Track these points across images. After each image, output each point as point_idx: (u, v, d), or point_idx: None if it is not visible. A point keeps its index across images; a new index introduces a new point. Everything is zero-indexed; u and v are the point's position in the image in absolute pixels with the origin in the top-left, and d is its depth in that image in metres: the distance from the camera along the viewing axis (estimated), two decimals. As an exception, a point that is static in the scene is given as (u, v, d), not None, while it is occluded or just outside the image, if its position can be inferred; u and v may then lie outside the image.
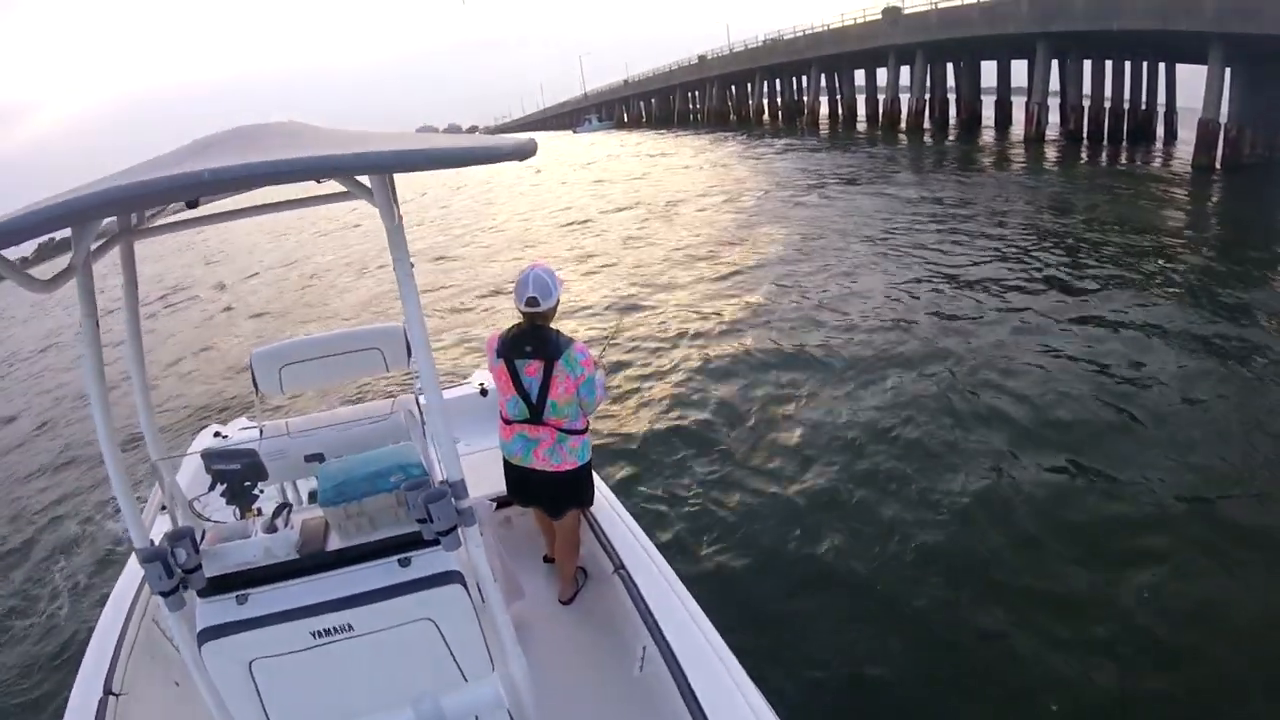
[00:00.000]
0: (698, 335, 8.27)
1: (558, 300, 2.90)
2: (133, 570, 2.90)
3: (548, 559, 3.52)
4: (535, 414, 2.92)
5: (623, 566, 2.83)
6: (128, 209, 1.66)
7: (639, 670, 2.61)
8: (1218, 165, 18.27)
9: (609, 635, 2.89)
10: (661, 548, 3.00)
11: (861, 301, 8.90)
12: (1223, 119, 18.45)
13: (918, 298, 8.89)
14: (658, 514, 4.94)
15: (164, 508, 2.24)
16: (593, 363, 2.91)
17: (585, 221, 16.84)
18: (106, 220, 1.85)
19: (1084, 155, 21.05)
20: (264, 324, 12.23)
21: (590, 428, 3.11)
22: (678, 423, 6.26)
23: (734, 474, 5.38)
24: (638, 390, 7.02)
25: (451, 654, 2.03)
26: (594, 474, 3.23)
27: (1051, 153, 20.58)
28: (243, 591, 1.90)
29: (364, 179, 1.70)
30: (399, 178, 1.81)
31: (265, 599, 1.89)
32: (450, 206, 22.54)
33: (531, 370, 2.85)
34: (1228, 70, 18.22)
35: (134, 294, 2.30)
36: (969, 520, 4.56)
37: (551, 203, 20.53)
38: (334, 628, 1.88)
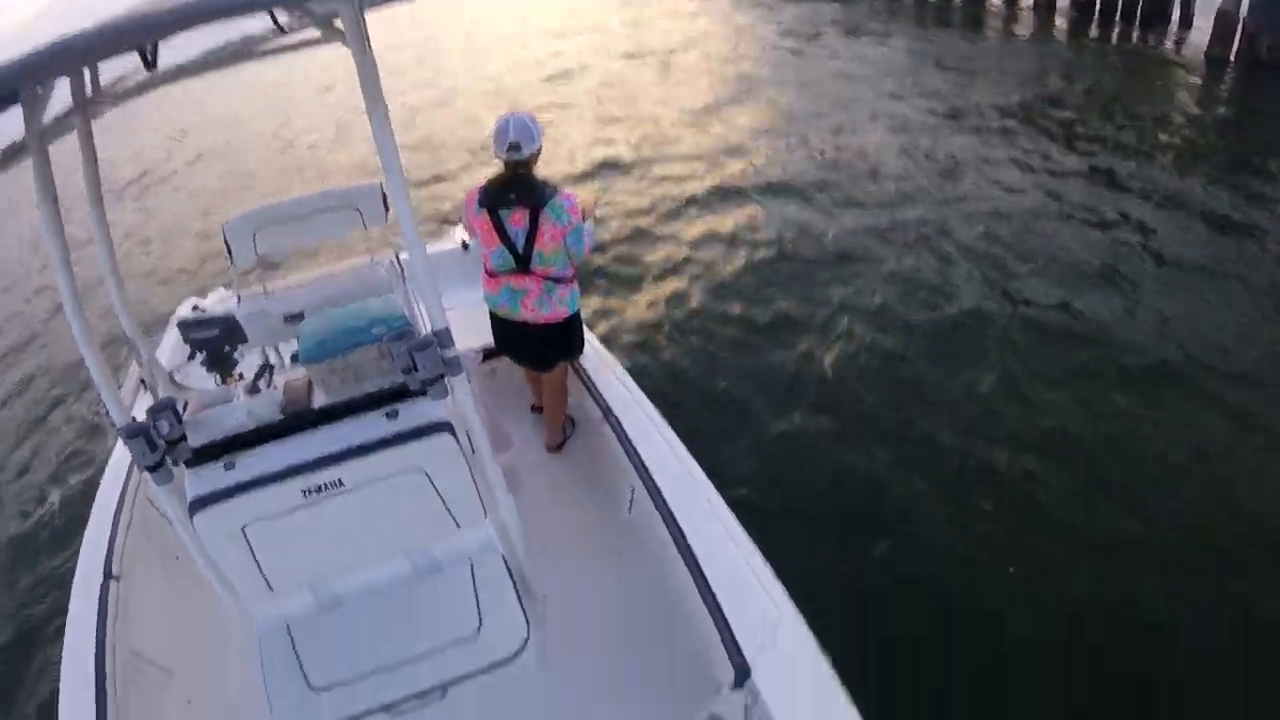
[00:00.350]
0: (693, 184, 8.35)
1: (540, 147, 2.78)
2: (121, 451, 2.85)
3: (535, 409, 3.52)
4: (522, 263, 2.84)
5: (610, 412, 2.87)
6: (59, 69, 1.37)
7: (628, 511, 2.69)
8: (1232, 59, 17.45)
9: (597, 480, 2.99)
10: (650, 394, 2.98)
11: (865, 157, 8.86)
12: (1242, 13, 17.46)
13: (924, 155, 8.89)
14: (649, 364, 5.05)
15: (144, 383, 2.21)
16: (580, 210, 2.82)
17: (569, 72, 15.84)
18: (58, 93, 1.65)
19: (1095, 30, 20.05)
20: (239, 198, 11.23)
21: (577, 276, 3.04)
22: (670, 282, 6.30)
23: (726, 330, 5.47)
24: (633, 245, 7.02)
25: (444, 502, 2.06)
26: (583, 323, 3.21)
27: (1062, 22, 19.41)
28: (230, 457, 1.90)
29: (329, 12, 1.54)
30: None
31: (253, 462, 1.88)
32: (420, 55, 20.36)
33: (517, 219, 2.76)
34: None
35: (95, 172, 2.17)
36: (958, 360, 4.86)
37: (536, 51, 18.83)
38: (325, 484, 1.90)
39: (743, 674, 1.89)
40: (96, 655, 2.22)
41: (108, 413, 1.88)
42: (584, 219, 2.90)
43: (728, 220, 7.44)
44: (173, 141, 16.98)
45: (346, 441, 1.90)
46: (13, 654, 3.77)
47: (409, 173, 10.56)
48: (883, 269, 6.26)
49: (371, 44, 1.62)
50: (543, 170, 2.92)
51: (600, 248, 6.77)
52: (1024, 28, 19.35)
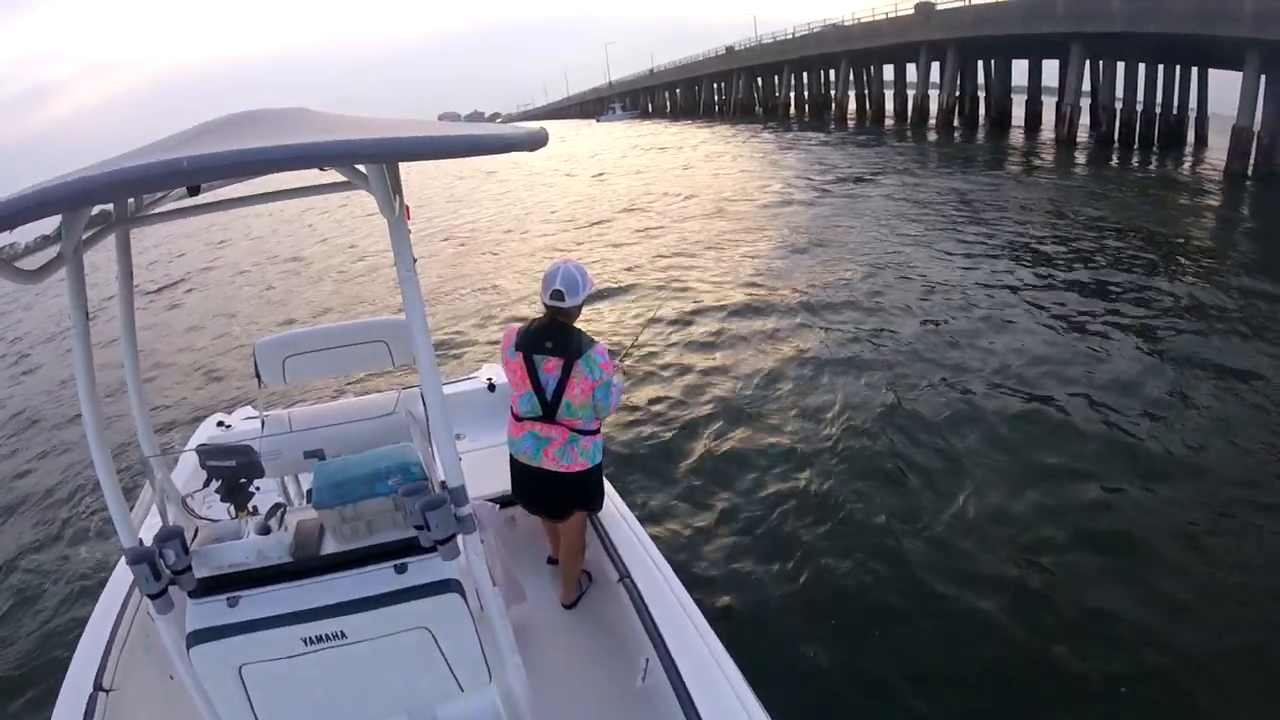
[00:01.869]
0: (720, 340, 8.02)
1: (584, 299, 2.80)
2: (125, 566, 2.72)
3: (552, 560, 3.41)
4: (549, 412, 2.82)
5: (628, 575, 2.75)
6: (104, 199, 1.55)
7: (641, 681, 2.53)
8: (1250, 172, 18.21)
9: (611, 644, 2.82)
10: (668, 557, 2.92)
11: (883, 297, 8.96)
12: (1256, 126, 18.42)
13: (944, 295, 8.90)
14: (666, 522, 4.75)
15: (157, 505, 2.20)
16: (612, 366, 2.81)
17: (604, 221, 16.29)
18: (101, 207, 1.77)
19: (1114, 158, 21.00)
20: (268, 314, 12.14)
21: (602, 431, 3.00)
22: (695, 435, 5.99)
23: (750, 480, 5.16)
24: (658, 394, 6.78)
25: (448, 664, 1.97)
26: (604, 478, 3.13)
27: (1081, 155, 20.51)
28: (234, 594, 1.85)
29: (362, 168, 1.60)
30: (407, 172, 1.73)
31: (257, 602, 1.83)
32: (460, 199, 22.37)
33: (550, 367, 2.76)
34: (1263, 77, 18.10)
35: (129, 284, 2.23)
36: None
37: (569, 196, 20.28)
38: (326, 634, 1.82)
39: None
40: None
41: (117, 534, 1.86)
42: (614, 373, 2.87)
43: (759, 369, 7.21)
44: (210, 250, 17.68)
45: (352, 593, 1.84)
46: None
47: (441, 308, 11.31)
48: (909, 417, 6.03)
49: (401, 186, 1.62)
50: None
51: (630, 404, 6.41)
52: (1046, 162, 20.30)
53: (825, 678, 3.48)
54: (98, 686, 2.36)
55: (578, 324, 2.83)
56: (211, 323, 12.09)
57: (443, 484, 1.86)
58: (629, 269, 11.70)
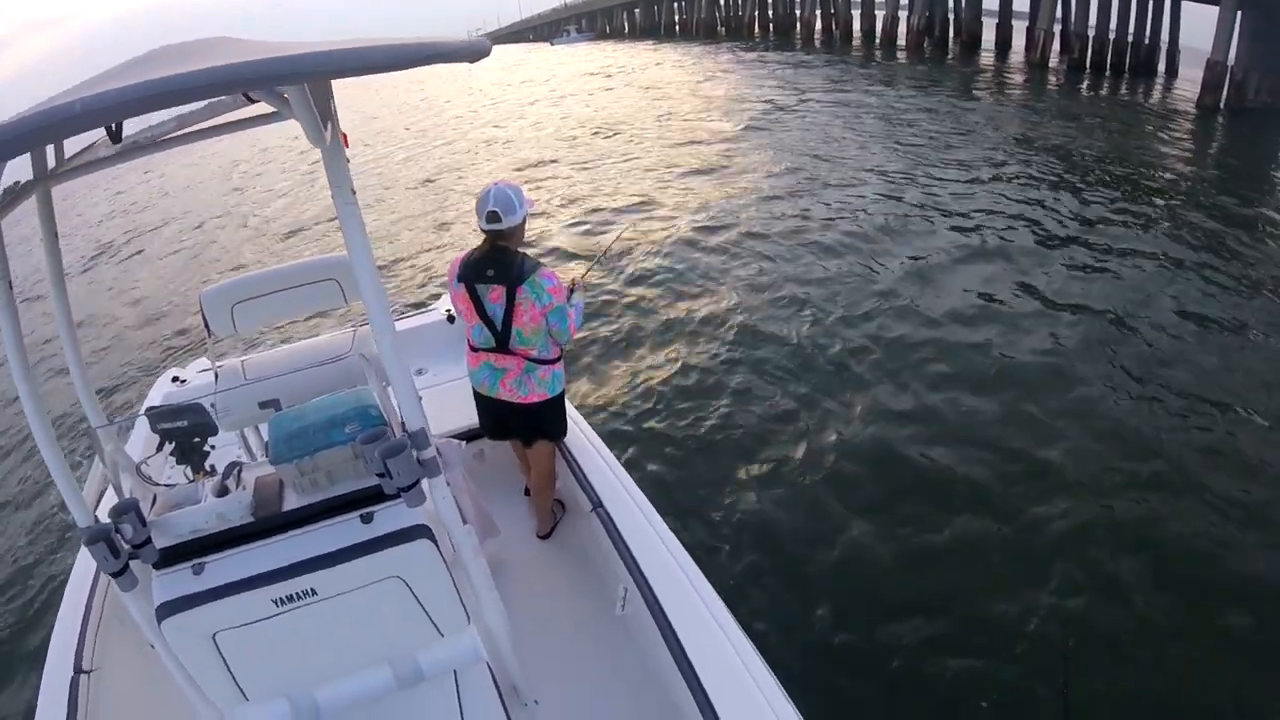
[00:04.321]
0: (686, 259, 7.79)
1: (524, 219, 2.66)
2: None
3: (528, 492, 3.33)
4: (501, 342, 2.71)
5: (601, 504, 2.71)
6: (36, 143, 1.29)
7: (620, 609, 2.54)
8: (1222, 106, 18.05)
9: (588, 573, 2.83)
10: (641, 483, 2.84)
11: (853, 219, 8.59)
12: (1229, 61, 18.14)
13: (908, 216, 8.52)
14: (636, 449, 4.71)
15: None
16: (563, 289, 2.69)
17: (573, 138, 15.82)
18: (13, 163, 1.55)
19: (1086, 84, 20.66)
20: (213, 267, 11.23)
21: (564, 356, 2.90)
22: (660, 354, 5.90)
23: (721, 411, 5.05)
24: (621, 316, 6.62)
25: (424, 610, 1.93)
26: (567, 405, 3.06)
27: (1053, 79, 20.13)
28: (198, 561, 1.78)
29: (285, 92, 1.42)
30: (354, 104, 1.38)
31: (222, 567, 1.77)
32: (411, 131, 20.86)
33: (495, 296, 2.63)
34: (1239, 13, 17.83)
35: (55, 247, 2.06)
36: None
37: (524, 122, 19.28)
38: (297, 593, 1.76)
39: None
40: None
41: (70, 515, 1.79)
42: (570, 295, 2.83)
43: (729, 288, 7.05)
44: (132, 214, 16.82)
45: (319, 548, 1.78)
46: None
47: (392, 244, 10.56)
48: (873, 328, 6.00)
49: (335, 113, 1.52)
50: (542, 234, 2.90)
51: (592, 315, 6.40)
52: (1017, 84, 19.91)
53: (799, 595, 3.50)
54: (78, 669, 2.36)
55: (523, 248, 2.71)
56: (156, 282, 11.34)
57: (403, 427, 1.77)
58: (592, 191, 11.30)
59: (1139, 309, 5.93)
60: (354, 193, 1.57)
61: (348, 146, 1.62)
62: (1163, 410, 4.67)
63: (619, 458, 3.11)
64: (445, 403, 3.38)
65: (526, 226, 2.74)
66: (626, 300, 7.01)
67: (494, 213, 2.56)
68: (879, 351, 5.59)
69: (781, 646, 3.10)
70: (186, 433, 2.11)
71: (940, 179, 9.86)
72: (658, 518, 2.62)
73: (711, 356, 5.79)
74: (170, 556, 1.79)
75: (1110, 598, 3.34)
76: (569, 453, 3.03)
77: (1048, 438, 4.41)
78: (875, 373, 5.32)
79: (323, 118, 1.47)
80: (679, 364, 5.75)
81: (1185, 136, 14.34)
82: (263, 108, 1.54)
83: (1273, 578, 3.38)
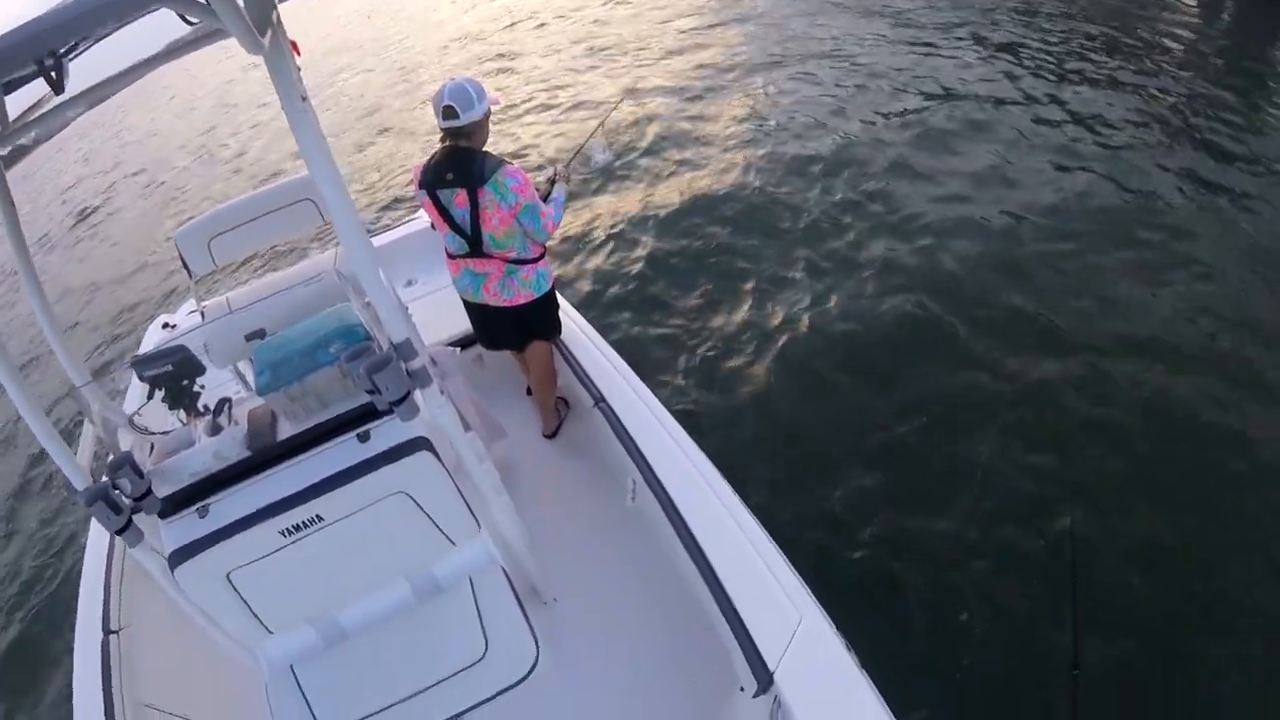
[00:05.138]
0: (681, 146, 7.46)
1: (485, 115, 2.49)
2: None
3: (531, 392, 3.30)
4: (475, 247, 2.60)
5: (603, 399, 2.70)
6: None
7: (631, 501, 2.54)
8: None
9: (597, 468, 2.82)
10: (643, 374, 2.81)
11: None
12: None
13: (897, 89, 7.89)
14: (635, 341, 4.67)
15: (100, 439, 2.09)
16: (529, 186, 2.51)
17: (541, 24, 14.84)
18: None
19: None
20: (189, 211, 10.88)
21: (547, 254, 2.79)
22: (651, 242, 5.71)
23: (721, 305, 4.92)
24: (607, 192, 6.41)
25: (433, 522, 1.94)
26: (560, 302, 3.00)
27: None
28: (202, 503, 1.78)
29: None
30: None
31: (226, 506, 1.78)
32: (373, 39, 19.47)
33: (460, 201, 2.50)
34: None
35: (12, 212, 1.98)
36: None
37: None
38: (303, 521, 1.78)
39: (765, 681, 1.77)
40: (106, 716, 2.13)
41: (67, 480, 1.79)
42: (552, 187, 2.73)
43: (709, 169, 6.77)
44: (104, 173, 16.19)
45: (319, 473, 1.77)
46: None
47: (364, 153, 10.58)
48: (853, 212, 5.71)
49: (276, 18, 1.45)
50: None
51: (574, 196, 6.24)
52: None
53: (807, 478, 3.47)
54: (106, 630, 2.38)
55: (488, 147, 2.56)
56: (137, 235, 11.19)
57: (390, 340, 1.70)
58: (571, 78, 10.72)
59: (1138, 175, 5.56)
60: (305, 99, 1.45)
61: (299, 55, 1.51)
62: (1160, 279, 4.48)
63: (617, 344, 3.11)
64: (438, 312, 3.33)
65: (491, 124, 2.58)
66: (616, 179, 6.82)
67: (450, 108, 2.40)
68: (870, 210, 5.57)
69: (788, 523, 3.15)
70: (174, 376, 2.09)
71: (930, 45, 8.92)
72: (660, 406, 2.61)
73: (694, 233, 5.74)
74: (174, 504, 1.78)
75: (1109, 447, 3.37)
76: (566, 349, 2.99)
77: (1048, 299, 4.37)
78: (869, 232, 5.30)
79: (259, 23, 1.36)
80: (667, 242, 5.69)
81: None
82: (205, 28, 1.42)
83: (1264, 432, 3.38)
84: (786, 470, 3.53)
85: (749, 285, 5.00)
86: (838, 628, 1.86)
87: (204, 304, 2.91)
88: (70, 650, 2.40)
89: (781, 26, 10.62)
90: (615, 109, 4.87)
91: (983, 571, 2.97)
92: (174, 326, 3.78)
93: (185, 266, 2.82)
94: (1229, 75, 7.09)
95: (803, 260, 5.11)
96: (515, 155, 8.41)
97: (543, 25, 14.64)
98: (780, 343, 4.40)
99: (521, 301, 2.71)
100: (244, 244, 2.88)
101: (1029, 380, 3.81)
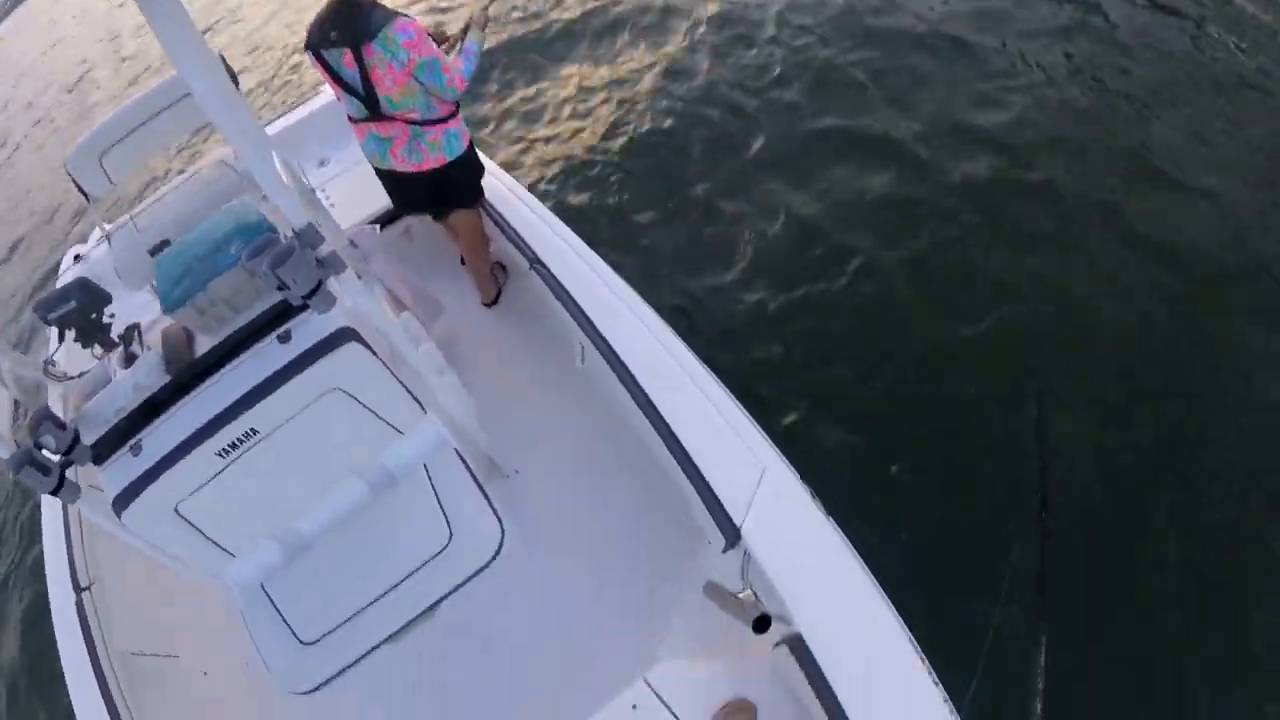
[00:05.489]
0: None
1: None
2: None
3: (464, 261, 3.13)
4: (372, 109, 2.39)
5: (538, 260, 2.56)
6: None
7: (580, 363, 2.46)
8: None
9: (542, 333, 2.72)
10: (578, 229, 2.66)
11: None
12: None
13: None
14: (565, 191, 4.38)
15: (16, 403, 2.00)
16: (423, 40, 2.25)
17: None
18: None
19: None
20: (71, 142, 9.76)
21: (459, 112, 2.54)
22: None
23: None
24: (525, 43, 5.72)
25: (374, 413, 1.89)
26: (480, 164, 2.77)
27: None
28: (134, 440, 1.71)
29: None
30: None
31: (158, 438, 1.70)
32: None
33: (348, 61, 2.27)
34: None
35: None
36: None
37: None
38: (238, 439, 1.72)
39: (732, 535, 1.76)
40: (95, 674, 2.11)
41: None
42: (464, 36, 2.52)
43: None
44: None
45: (245, 384, 1.69)
46: (22, 687, 3.61)
47: (265, 27, 8.84)
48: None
49: None
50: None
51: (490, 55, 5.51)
52: None
53: (762, 328, 3.37)
54: (77, 589, 2.36)
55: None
56: (42, 174, 9.71)
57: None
58: None
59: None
60: None
61: None
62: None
63: (556, 203, 3.02)
64: (356, 189, 3.17)
65: None
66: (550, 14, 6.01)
67: None
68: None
69: (732, 362, 3.07)
70: (80, 311, 1.98)
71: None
72: (600, 261, 2.51)
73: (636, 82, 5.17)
74: (105, 447, 1.72)
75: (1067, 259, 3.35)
76: (495, 210, 2.83)
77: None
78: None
79: None
80: (611, 94, 5.13)
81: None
82: None
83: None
84: (740, 321, 3.46)
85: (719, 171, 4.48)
86: (801, 475, 1.84)
87: (109, 228, 2.76)
88: (48, 616, 2.36)
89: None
90: None
91: (947, 420, 2.96)
92: (84, 257, 3.63)
93: (81, 191, 2.66)
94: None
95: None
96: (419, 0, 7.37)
97: None
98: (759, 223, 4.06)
99: (430, 166, 2.53)
100: (136, 152, 2.70)
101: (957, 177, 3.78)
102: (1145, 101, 4.06)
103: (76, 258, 3.71)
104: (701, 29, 5.48)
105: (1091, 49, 4.46)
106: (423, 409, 1.96)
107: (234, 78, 2.10)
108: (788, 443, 1.95)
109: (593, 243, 2.64)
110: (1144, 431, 2.79)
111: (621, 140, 4.80)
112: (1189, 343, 3.00)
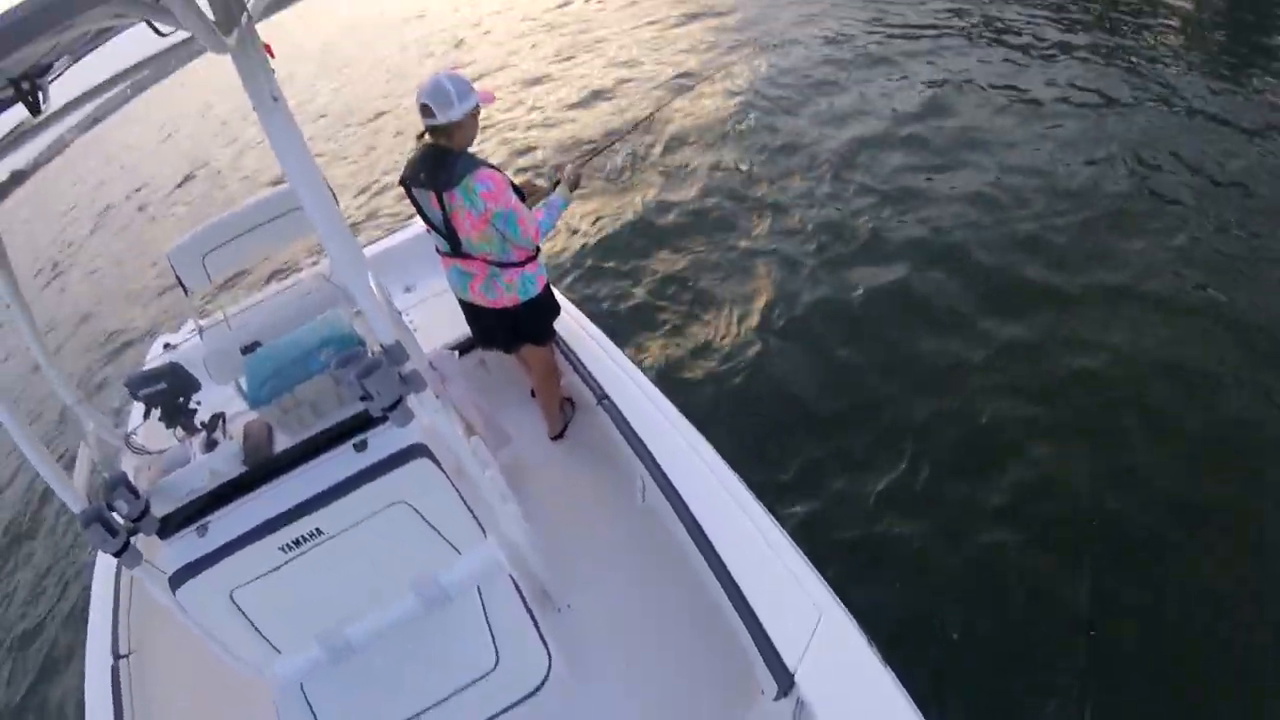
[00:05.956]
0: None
1: (468, 114, 2.34)
2: None
3: (535, 394, 3.22)
4: (454, 248, 2.53)
5: (605, 396, 2.65)
6: None
7: (641, 500, 2.49)
8: None
9: (605, 468, 2.77)
10: (647, 370, 2.83)
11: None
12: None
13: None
14: (640, 337, 4.60)
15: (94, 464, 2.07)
16: (504, 191, 2.37)
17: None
18: None
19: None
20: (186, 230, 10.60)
21: (539, 257, 2.66)
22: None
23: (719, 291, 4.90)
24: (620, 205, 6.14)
25: (436, 530, 1.90)
26: (555, 305, 2.88)
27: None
28: (201, 522, 1.75)
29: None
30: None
31: (226, 523, 1.74)
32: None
33: (433, 201, 2.42)
34: None
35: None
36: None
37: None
38: (303, 536, 1.74)
39: (786, 683, 1.71)
40: None
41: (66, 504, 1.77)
42: (555, 190, 2.66)
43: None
44: (83, 205, 15.93)
45: (317, 486, 1.73)
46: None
47: (367, 156, 10.01)
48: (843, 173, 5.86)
49: (245, 17, 1.40)
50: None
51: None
52: None
53: (821, 468, 3.42)
54: (115, 654, 2.38)
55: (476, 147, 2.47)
56: (132, 261, 11.02)
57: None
58: (603, 69, 10.26)
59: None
60: (277, 98, 1.40)
61: (273, 57, 1.47)
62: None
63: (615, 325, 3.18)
64: (438, 317, 3.32)
65: (480, 122, 2.49)
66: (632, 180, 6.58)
67: (425, 107, 2.30)
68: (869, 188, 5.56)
69: (804, 510, 3.18)
70: (168, 394, 2.07)
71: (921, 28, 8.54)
72: (665, 400, 2.58)
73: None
74: (173, 523, 1.75)
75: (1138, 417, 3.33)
76: (567, 347, 2.93)
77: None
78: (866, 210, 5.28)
79: (224, 23, 1.31)
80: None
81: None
82: (171, 39, 1.35)
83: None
84: (786, 449, 3.54)
85: (749, 267, 5.03)
86: (859, 622, 1.79)
87: (202, 321, 2.89)
88: (82, 676, 2.38)
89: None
90: (648, 118, 4.87)
91: (998, 540, 2.93)
92: (174, 346, 3.80)
93: (181, 284, 2.80)
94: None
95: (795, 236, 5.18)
96: (522, 153, 8.23)
97: (586, 28, 13.40)
98: (778, 318, 4.44)
99: (504, 304, 2.65)
100: (239, 257, 2.84)
101: (1020, 342, 3.83)
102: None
103: (167, 345, 3.88)
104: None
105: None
106: (483, 531, 1.98)
107: (335, 198, 2.18)
108: (842, 588, 1.92)
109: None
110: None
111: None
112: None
